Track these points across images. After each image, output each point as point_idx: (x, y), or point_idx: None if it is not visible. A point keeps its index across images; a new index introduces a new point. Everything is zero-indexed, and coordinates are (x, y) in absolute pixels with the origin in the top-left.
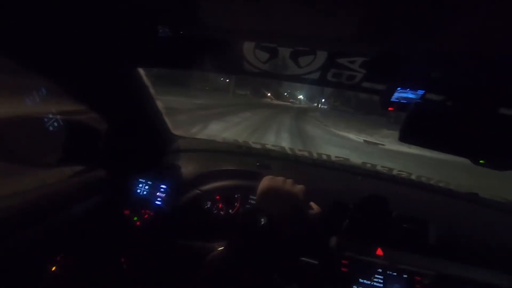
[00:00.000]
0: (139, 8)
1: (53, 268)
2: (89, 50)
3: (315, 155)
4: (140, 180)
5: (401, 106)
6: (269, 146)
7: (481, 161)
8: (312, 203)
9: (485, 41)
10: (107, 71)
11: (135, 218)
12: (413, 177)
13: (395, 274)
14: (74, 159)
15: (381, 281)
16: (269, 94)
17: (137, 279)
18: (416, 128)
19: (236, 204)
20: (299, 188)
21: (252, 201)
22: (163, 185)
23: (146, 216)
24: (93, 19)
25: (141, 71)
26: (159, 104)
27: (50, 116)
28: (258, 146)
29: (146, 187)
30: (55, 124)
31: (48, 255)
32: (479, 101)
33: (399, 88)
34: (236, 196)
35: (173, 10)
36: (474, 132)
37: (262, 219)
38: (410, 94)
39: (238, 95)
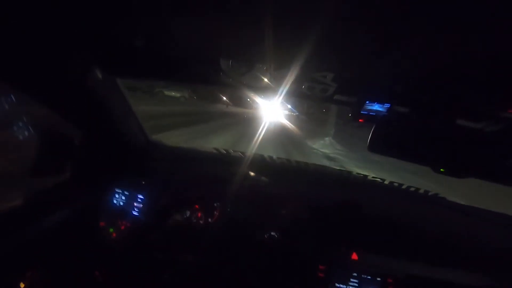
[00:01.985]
0: (117, 21)
1: (22, 285)
2: (64, 58)
3: (293, 162)
4: (116, 190)
5: (370, 118)
6: (248, 154)
7: (441, 170)
8: (288, 209)
9: (443, 59)
10: (81, 78)
11: (111, 230)
12: (386, 182)
13: (369, 277)
14: (45, 169)
15: (356, 284)
16: (224, 98)
17: None
18: (382, 139)
19: (215, 213)
20: (275, 195)
21: (231, 210)
22: (140, 195)
23: (122, 227)
24: (69, 29)
25: (119, 80)
26: (136, 112)
27: (20, 124)
28: (238, 154)
29: (123, 197)
30: (25, 132)
31: (17, 270)
32: (439, 114)
33: (367, 102)
34: (215, 204)
35: (150, 24)
36: (435, 143)
37: (240, 229)
38: (377, 107)
39: (166, 98)
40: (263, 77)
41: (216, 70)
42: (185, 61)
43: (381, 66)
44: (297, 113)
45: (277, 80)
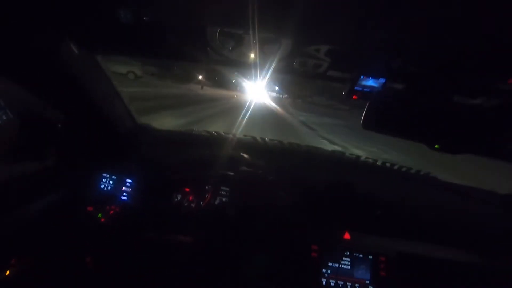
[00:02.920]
0: None
1: (7, 273)
2: (43, 33)
3: (285, 144)
4: (103, 174)
5: (364, 94)
6: (240, 136)
7: (436, 146)
8: (280, 190)
9: (441, 33)
10: (62, 57)
11: (100, 215)
12: (378, 163)
13: (361, 256)
14: (29, 154)
15: (349, 263)
16: (200, 77)
17: (103, 279)
18: (377, 116)
19: (207, 196)
20: (268, 180)
21: (223, 192)
22: (128, 179)
23: (111, 212)
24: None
25: (100, 58)
26: (123, 94)
27: (0, 108)
28: (229, 136)
29: (111, 182)
30: (4, 116)
31: (2, 258)
32: (435, 89)
33: (362, 77)
34: (206, 187)
35: None
36: (430, 119)
37: (232, 211)
38: (372, 83)
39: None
40: (252, 53)
41: (202, 45)
42: (169, 35)
43: (377, 38)
44: (286, 96)
45: (267, 55)
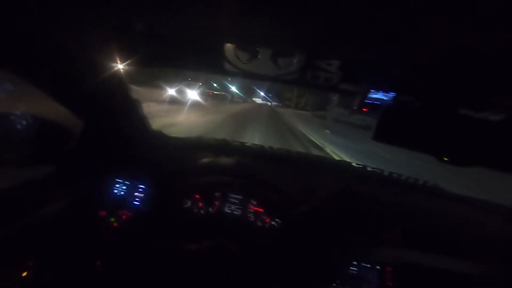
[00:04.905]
0: (118, 2)
1: (24, 274)
2: (63, 42)
3: (293, 153)
4: (117, 180)
5: (374, 107)
6: (248, 144)
7: (445, 159)
8: (288, 198)
9: (447, 47)
10: (82, 66)
11: (112, 219)
12: (385, 173)
13: (368, 265)
14: (45, 158)
15: (356, 272)
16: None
17: (112, 282)
18: (388, 128)
19: (216, 202)
20: (276, 188)
21: (232, 199)
22: (141, 184)
23: (124, 217)
24: (69, 10)
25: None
26: (138, 101)
27: (18, 113)
28: (237, 144)
29: (124, 187)
30: (23, 121)
31: (19, 259)
32: (443, 102)
33: (372, 90)
34: (216, 194)
35: (151, 6)
36: (439, 132)
37: (238, 216)
38: (382, 96)
39: None
40: (267, 64)
41: (218, 58)
42: (185, 46)
43: (388, 54)
44: (275, 103)
45: (282, 68)
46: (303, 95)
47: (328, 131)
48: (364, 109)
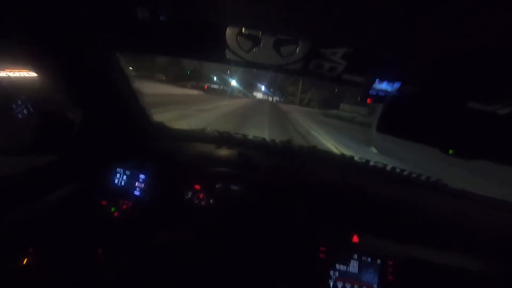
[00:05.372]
0: None
1: (25, 260)
2: (65, 31)
3: (295, 145)
4: (117, 169)
5: (378, 98)
6: (250, 137)
7: (450, 151)
8: (289, 192)
9: (457, 38)
10: (83, 54)
11: (113, 209)
12: (388, 168)
13: (369, 259)
14: (47, 147)
15: (356, 266)
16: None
17: (114, 270)
18: (392, 119)
19: (217, 194)
20: (277, 180)
21: (233, 191)
22: (142, 174)
23: (124, 206)
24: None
25: (119, 55)
26: (139, 91)
27: (19, 102)
28: (239, 136)
29: (124, 176)
30: (25, 110)
31: (19, 246)
32: (450, 94)
33: (377, 80)
34: (217, 186)
35: None
36: (445, 124)
37: (239, 209)
38: (387, 87)
39: None
40: (270, 53)
41: (219, 45)
42: (187, 34)
43: (395, 43)
44: (276, 98)
45: (285, 57)
46: (307, 90)
47: (374, 150)
48: (368, 101)
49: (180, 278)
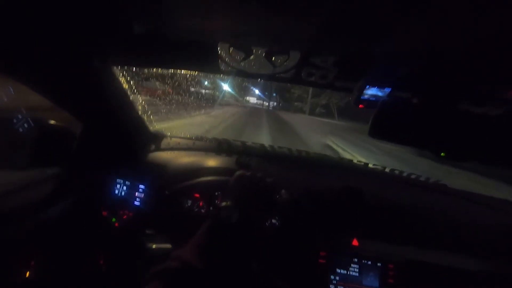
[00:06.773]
0: (114, 4)
1: (27, 274)
2: (61, 46)
3: (294, 151)
4: (117, 180)
5: (370, 103)
6: (249, 144)
7: (442, 154)
8: (283, 193)
9: (446, 41)
10: (80, 68)
11: (113, 219)
12: (387, 170)
13: (369, 263)
14: (46, 160)
15: (357, 270)
16: None
17: (116, 281)
18: (383, 124)
19: (216, 201)
20: (270, 182)
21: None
22: (141, 185)
23: (124, 217)
24: (66, 13)
25: (116, 68)
26: (136, 102)
27: (19, 115)
28: (238, 144)
29: (124, 187)
30: (25, 123)
31: (20, 260)
32: (441, 98)
33: (367, 86)
34: (216, 194)
35: (148, 9)
36: (436, 127)
37: (234, 214)
38: (378, 92)
39: None
40: (262, 63)
41: (213, 57)
42: (181, 47)
43: (385, 48)
44: (272, 103)
45: (278, 66)
46: (321, 93)
47: None
48: (360, 106)
49: (181, 284)
